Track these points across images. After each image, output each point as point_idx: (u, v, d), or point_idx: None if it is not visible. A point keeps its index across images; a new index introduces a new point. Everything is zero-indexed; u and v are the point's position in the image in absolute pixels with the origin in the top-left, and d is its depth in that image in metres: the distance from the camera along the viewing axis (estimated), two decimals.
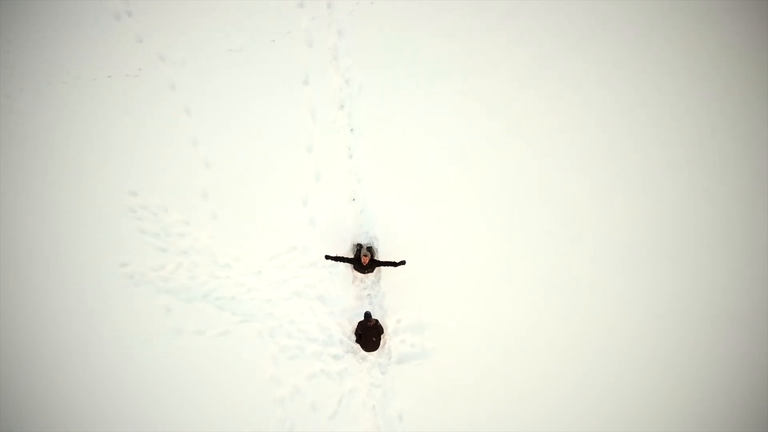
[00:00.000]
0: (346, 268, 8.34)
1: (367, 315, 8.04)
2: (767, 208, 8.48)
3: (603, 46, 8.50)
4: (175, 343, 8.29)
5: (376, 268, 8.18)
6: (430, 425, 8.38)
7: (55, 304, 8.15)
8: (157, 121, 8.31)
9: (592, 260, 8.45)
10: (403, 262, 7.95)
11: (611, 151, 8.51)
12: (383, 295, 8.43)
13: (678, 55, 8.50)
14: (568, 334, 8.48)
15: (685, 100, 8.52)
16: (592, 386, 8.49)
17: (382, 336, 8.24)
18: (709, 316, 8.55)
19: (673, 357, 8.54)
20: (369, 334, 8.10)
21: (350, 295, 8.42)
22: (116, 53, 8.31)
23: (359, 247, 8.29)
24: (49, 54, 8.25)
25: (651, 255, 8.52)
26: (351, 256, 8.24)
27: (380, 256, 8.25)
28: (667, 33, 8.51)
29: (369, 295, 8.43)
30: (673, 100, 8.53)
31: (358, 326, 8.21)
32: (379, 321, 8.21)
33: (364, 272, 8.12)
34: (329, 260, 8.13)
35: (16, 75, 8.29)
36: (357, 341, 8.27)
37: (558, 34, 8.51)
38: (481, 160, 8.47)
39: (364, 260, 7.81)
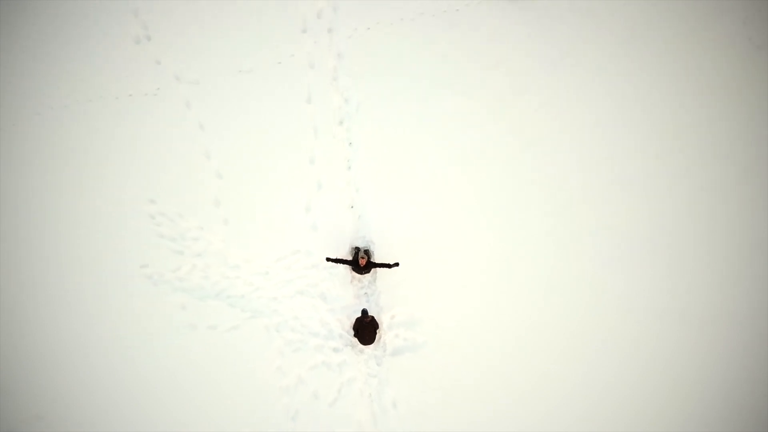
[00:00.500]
0: (345, 269, 9.17)
1: (364, 312, 8.85)
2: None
3: (598, 50, 9.31)
4: (189, 337, 9.12)
5: (373, 270, 9.01)
6: (421, 412, 9.22)
7: (83, 302, 8.98)
8: (173, 136, 9.15)
9: (566, 259, 9.31)
10: (396, 264, 8.80)
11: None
12: (379, 293, 9.26)
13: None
14: (550, 330, 9.26)
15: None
16: (571, 374, 9.25)
17: (377, 331, 9.06)
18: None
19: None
20: (366, 329, 8.92)
21: (349, 294, 9.25)
22: (136, 74, 9.15)
23: (357, 250, 9.12)
24: (76, 74, 9.08)
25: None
26: (350, 258, 9.07)
27: (376, 259, 9.09)
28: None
29: (366, 293, 9.26)
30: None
31: (355, 322, 9.03)
32: (375, 317, 9.04)
33: (361, 273, 8.95)
34: (330, 262, 8.97)
35: (46, 94, 9.13)
36: (355, 335, 9.09)
37: (547, 44, 9.33)
38: (468, 170, 9.30)
39: (361, 262, 8.65)
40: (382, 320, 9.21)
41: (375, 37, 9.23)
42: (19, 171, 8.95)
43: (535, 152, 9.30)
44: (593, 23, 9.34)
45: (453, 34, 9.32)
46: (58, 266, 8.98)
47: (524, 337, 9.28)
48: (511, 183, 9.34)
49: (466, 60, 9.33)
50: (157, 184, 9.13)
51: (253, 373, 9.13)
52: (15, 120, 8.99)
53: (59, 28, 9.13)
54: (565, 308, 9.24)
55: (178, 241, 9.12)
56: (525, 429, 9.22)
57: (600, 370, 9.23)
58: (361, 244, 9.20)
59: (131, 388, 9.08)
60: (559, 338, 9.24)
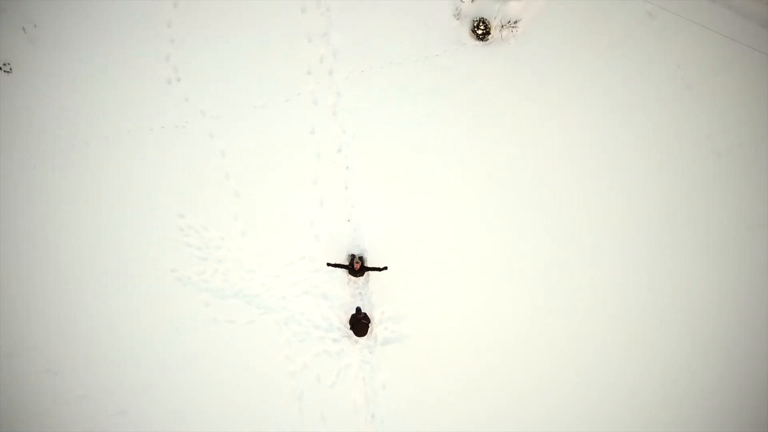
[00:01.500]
0: (343, 272, 10.88)
1: (358, 309, 10.58)
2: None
3: (556, 82, 11.05)
4: (212, 329, 10.83)
5: (366, 273, 10.74)
6: (406, 393, 10.90)
7: (125, 299, 10.70)
8: (198, 161, 10.91)
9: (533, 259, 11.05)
10: (385, 268, 10.54)
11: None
12: (371, 293, 10.98)
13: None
14: (520, 325, 10.98)
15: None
16: (530, 356, 10.94)
17: (370, 325, 10.78)
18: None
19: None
20: (360, 323, 10.61)
21: (346, 293, 10.97)
22: (167, 109, 10.93)
23: (353, 256, 10.86)
24: (119, 110, 10.85)
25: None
26: (346, 263, 10.80)
27: (368, 263, 10.83)
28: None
29: (360, 293, 10.99)
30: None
31: (351, 317, 10.73)
32: (368, 313, 10.77)
33: (356, 276, 10.68)
34: (330, 267, 10.69)
35: (88, 126, 10.91)
36: (350, 329, 10.80)
37: (515, 78, 11.09)
38: (445, 189, 11.05)
39: (356, 266, 10.38)
40: (374, 316, 10.92)
41: (368, 78, 11.01)
42: (74, 191, 10.73)
43: (502, 176, 11.06)
44: (553, 62, 11.12)
45: (433, 75, 11.10)
46: (105, 271, 10.72)
47: (496, 330, 10.94)
48: (482, 200, 11.08)
49: (445, 96, 11.10)
50: (185, 202, 10.88)
51: (266, 360, 10.83)
52: (71, 147, 10.77)
53: (105, 71, 10.91)
54: (518, 297, 10.96)
55: (202, 249, 10.87)
56: (498, 405, 10.86)
57: (560, 350, 10.83)
58: (356, 252, 10.93)
59: (163, 370, 10.75)
60: (514, 326, 10.92)
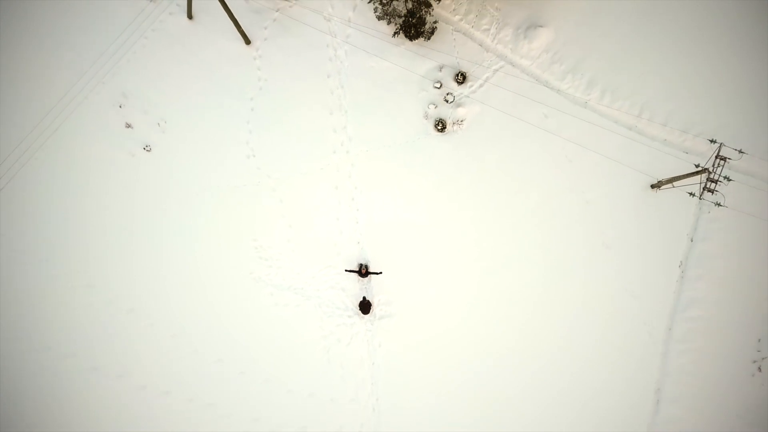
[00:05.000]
0: (354, 275, 17.63)
1: (364, 298, 17.37)
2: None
3: (495, 160, 17.97)
4: (273, 311, 17.58)
5: (369, 275, 17.52)
6: (395, 350, 17.60)
7: (220, 292, 17.50)
8: (265, 208, 17.75)
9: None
10: (381, 272, 17.34)
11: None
12: (372, 288, 17.73)
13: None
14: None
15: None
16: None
17: (371, 307, 17.54)
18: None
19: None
20: (365, 306, 17.40)
21: (356, 288, 17.71)
22: (246, 174, 17.79)
23: (360, 265, 17.59)
24: (219, 175, 17.71)
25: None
26: (357, 269, 17.55)
27: (371, 269, 17.58)
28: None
29: (365, 287, 17.73)
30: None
31: (360, 303, 17.52)
32: (370, 299, 17.53)
33: (363, 277, 17.42)
34: (346, 272, 17.46)
35: (205, 184, 17.80)
36: (359, 310, 17.57)
37: (467, 157, 17.93)
38: (424, 220, 17.86)
39: (362, 271, 17.16)
40: (374, 302, 17.68)
41: (372, 155, 17.86)
42: (197, 223, 17.58)
43: (460, 206, 17.78)
44: (484, 144, 17.88)
45: (412, 151, 17.93)
46: (208, 276, 17.55)
47: (455, 310, 17.64)
48: (449, 224, 17.88)
49: (420, 164, 17.90)
50: (257, 231, 17.71)
51: (307, 329, 17.58)
52: (195, 196, 17.65)
53: (214, 153, 17.79)
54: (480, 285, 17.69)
55: (268, 260, 17.65)
56: (453, 352, 17.55)
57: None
58: (362, 262, 17.71)
59: (243, 337, 17.52)
60: (478, 309, 17.61)
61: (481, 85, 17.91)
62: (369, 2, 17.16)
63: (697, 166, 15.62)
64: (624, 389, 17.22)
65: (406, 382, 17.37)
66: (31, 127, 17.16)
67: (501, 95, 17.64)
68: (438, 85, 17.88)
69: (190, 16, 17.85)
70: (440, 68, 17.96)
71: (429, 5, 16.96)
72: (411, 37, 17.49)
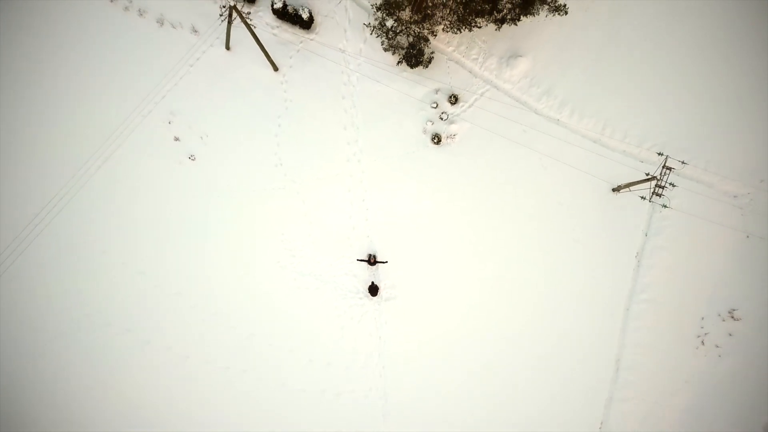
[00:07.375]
0: (364, 264, 21.13)
1: (373, 282, 20.87)
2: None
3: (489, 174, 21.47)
4: (297, 294, 21.10)
5: (376, 264, 21.01)
6: (397, 327, 21.09)
7: (251, 279, 21.02)
8: (292, 210, 21.27)
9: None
10: (386, 261, 20.85)
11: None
12: (379, 274, 21.23)
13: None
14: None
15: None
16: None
17: (379, 291, 21.04)
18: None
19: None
20: (373, 289, 20.91)
21: (366, 274, 21.23)
22: (275, 180, 21.31)
23: (369, 255, 21.08)
24: (252, 182, 21.25)
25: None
26: (366, 258, 21.04)
27: (378, 258, 21.05)
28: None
29: (373, 274, 21.22)
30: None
31: (369, 287, 21.02)
32: (377, 284, 21.02)
33: (371, 265, 20.93)
34: (358, 261, 20.97)
35: (244, 188, 21.37)
36: (369, 293, 21.07)
37: (457, 168, 21.43)
38: (424, 219, 21.36)
39: (371, 260, 20.68)
40: (381, 286, 21.17)
41: (380, 163, 21.38)
42: (234, 225, 21.14)
43: (457, 206, 21.30)
44: (473, 156, 21.36)
45: (413, 163, 21.43)
46: (245, 264, 21.07)
47: (458, 294, 21.13)
48: (446, 223, 21.38)
49: (420, 174, 21.41)
50: (284, 227, 21.24)
51: (325, 308, 21.09)
52: (221, 200, 21.19)
53: (246, 165, 21.35)
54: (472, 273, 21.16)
55: (293, 251, 21.17)
56: (450, 327, 21.04)
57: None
58: (371, 252, 21.20)
59: (269, 318, 21.03)
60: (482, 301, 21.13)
61: (470, 106, 21.43)
62: (377, 37, 20.67)
63: (647, 174, 19.07)
64: (588, 359, 20.67)
65: (408, 352, 20.88)
66: (103, 139, 20.72)
67: (487, 114, 21.15)
68: (434, 106, 21.40)
69: (227, 47, 21.39)
70: (436, 91, 21.48)
71: (427, 39, 20.46)
72: (412, 66, 21.02)
